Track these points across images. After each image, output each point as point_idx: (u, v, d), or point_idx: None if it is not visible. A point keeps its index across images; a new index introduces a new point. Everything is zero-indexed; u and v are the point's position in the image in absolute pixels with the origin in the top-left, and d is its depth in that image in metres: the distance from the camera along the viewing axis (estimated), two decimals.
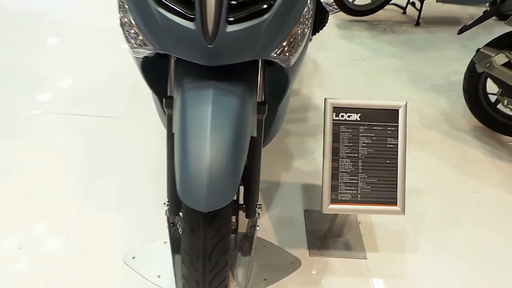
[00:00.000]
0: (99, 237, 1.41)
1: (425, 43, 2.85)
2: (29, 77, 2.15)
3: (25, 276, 1.27)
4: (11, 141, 1.76)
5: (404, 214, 1.20)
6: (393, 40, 2.84)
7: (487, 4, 3.01)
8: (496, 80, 1.73)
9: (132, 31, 0.84)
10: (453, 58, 2.69)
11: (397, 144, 1.19)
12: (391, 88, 2.33)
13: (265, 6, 0.79)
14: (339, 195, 1.19)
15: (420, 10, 2.97)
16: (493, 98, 1.95)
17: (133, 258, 1.35)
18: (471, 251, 1.46)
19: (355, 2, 2.99)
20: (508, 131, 1.95)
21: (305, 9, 0.88)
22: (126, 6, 0.85)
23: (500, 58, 1.64)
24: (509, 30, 1.75)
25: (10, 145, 1.74)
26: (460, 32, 1.92)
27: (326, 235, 1.46)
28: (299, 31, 0.87)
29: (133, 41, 0.85)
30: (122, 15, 0.87)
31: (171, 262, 1.24)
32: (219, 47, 0.78)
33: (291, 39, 0.86)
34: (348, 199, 1.19)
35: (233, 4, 0.77)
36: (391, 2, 3.03)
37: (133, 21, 0.84)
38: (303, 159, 1.81)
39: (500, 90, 1.80)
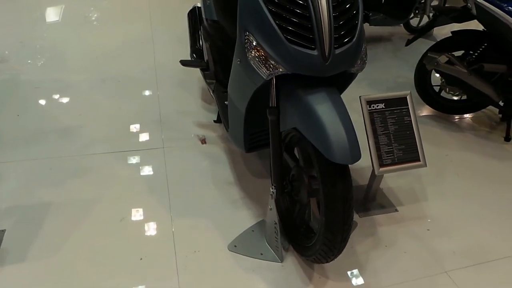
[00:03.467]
0: (198, 237, 1.70)
1: (370, 57, 3.58)
2: (59, 130, 2.32)
3: (157, 278, 1.52)
4: (81, 180, 1.95)
5: (426, 166, 1.74)
6: None
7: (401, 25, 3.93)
8: (442, 74, 2.42)
9: (267, 61, 1.26)
10: (392, 66, 3.45)
11: (411, 120, 1.74)
12: (360, 92, 2.94)
13: (350, 37, 1.28)
14: (383, 160, 1.68)
15: None
16: (436, 89, 2.65)
17: (235, 246, 1.67)
18: (458, 192, 2.05)
19: None
20: (452, 111, 2.66)
21: (365, 37, 1.38)
22: (255, 44, 1.27)
23: (443, 58, 2.33)
24: (442, 38, 2.48)
25: (81, 183, 1.93)
26: (407, 44, 2.62)
27: (364, 201, 1.93)
28: (364, 51, 1.37)
29: (267, 67, 1.27)
30: (255, 52, 1.28)
31: (276, 237, 1.60)
32: (331, 64, 1.24)
33: (362, 56, 1.35)
34: (390, 162, 1.69)
35: (335, 37, 1.24)
36: None
37: (267, 55, 1.26)
38: None
39: (443, 81, 2.51)
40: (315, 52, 1.23)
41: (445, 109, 2.67)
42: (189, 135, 2.34)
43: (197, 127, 2.42)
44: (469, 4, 2.22)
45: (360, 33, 1.31)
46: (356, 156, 1.21)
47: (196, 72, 3.05)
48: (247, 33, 1.31)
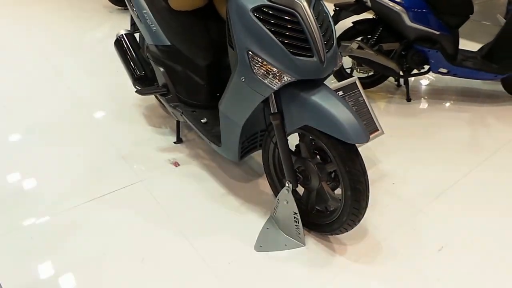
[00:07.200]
0: (223, 249, 1.79)
1: None
2: (14, 195, 2.06)
3: None
4: (74, 237, 1.81)
5: (384, 133, 2.14)
6: None
7: None
8: (355, 58, 2.91)
9: (274, 73, 1.45)
10: None
11: (364, 99, 2.11)
12: None
13: (332, 42, 1.55)
14: None
15: None
16: (348, 70, 3.15)
17: (260, 246, 1.81)
18: (397, 148, 2.54)
19: None
20: (364, 86, 3.17)
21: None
22: (260, 61, 1.45)
23: (354, 45, 2.80)
24: (345, 29, 2.95)
25: (77, 241, 1.80)
26: None
27: None
28: (340, 54, 1.66)
29: (275, 78, 1.45)
30: (261, 68, 1.45)
31: (297, 225, 1.79)
32: (326, 66, 1.49)
33: (339, 56, 1.63)
34: None
35: (324, 43, 1.49)
36: None
37: (275, 68, 1.44)
38: None
39: (354, 62, 3.01)
40: (314, 59, 1.46)
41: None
42: (159, 163, 2.34)
43: (161, 153, 2.42)
44: None
45: (336, 38, 1.59)
46: (368, 135, 1.49)
47: (129, 100, 2.99)
48: (251, 52, 1.47)
